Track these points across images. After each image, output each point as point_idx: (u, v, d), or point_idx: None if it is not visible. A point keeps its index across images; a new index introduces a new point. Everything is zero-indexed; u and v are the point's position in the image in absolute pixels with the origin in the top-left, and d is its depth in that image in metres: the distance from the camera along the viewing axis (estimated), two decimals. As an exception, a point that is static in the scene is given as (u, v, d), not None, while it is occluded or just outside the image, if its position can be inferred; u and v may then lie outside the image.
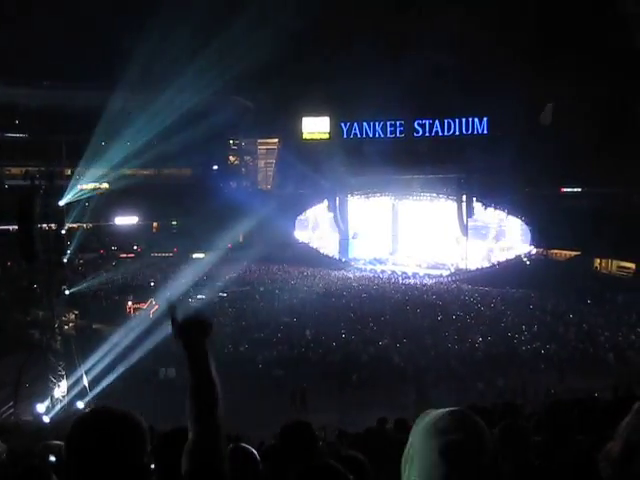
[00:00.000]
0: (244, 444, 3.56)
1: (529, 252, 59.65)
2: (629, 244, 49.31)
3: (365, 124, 67.28)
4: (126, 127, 64.59)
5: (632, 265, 52.35)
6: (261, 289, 51.19)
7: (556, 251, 58.69)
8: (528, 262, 58.33)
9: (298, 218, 70.27)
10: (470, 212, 62.85)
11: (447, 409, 2.13)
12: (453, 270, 62.42)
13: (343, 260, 67.05)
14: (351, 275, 60.37)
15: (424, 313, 42.09)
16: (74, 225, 56.47)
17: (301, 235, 70.37)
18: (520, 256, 59.56)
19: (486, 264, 61.21)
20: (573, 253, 56.74)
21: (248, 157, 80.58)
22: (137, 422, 2.39)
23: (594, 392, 16.16)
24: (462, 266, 62.89)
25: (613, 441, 1.85)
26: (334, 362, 30.90)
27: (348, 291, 50.66)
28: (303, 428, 4.40)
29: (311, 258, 64.78)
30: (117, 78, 58.23)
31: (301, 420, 4.55)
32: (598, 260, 55.23)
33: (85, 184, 68.99)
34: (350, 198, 68.61)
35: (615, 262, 54.20)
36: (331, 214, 68.71)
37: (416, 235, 66.24)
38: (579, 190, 61.69)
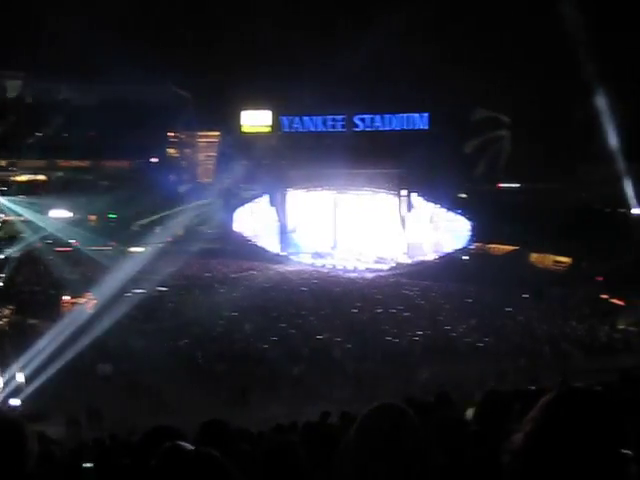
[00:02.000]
0: (182, 442, 3.45)
1: (467, 246, 60.24)
2: (564, 238, 50.12)
3: (306, 118, 67.08)
4: (61, 117, 63.40)
5: (567, 259, 53.33)
6: (201, 283, 50.59)
7: (494, 246, 59.38)
8: (467, 257, 59.14)
9: (238, 211, 69.48)
10: (409, 207, 63.29)
11: (377, 403, 2.28)
12: (394, 264, 62.54)
13: (283, 254, 66.77)
14: (291, 269, 60.14)
15: (364, 307, 42.03)
16: (7, 218, 55.25)
17: (241, 228, 69.59)
18: (459, 251, 60.21)
19: (432, 254, 61.41)
20: (510, 247, 57.49)
21: (188, 150, 79.82)
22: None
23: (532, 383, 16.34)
24: (402, 260, 63.06)
25: (518, 433, 1.91)
26: (274, 356, 30.69)
27: (288, 285, 50.49)
28: (219, 426, 4.42)
29: (251, 252, 64.22)
30: (49, 66, 56.87)
31: (217, 419, 4.57)
32: (534, 255, 56.03)
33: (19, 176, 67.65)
34: (291, 192, 68.38)
35: (551, 256, 54.89)
36: (272, 208, 68.41)
37: (357, 229, 65.89)
38: (517, 186, 62.72)
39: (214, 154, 75.77)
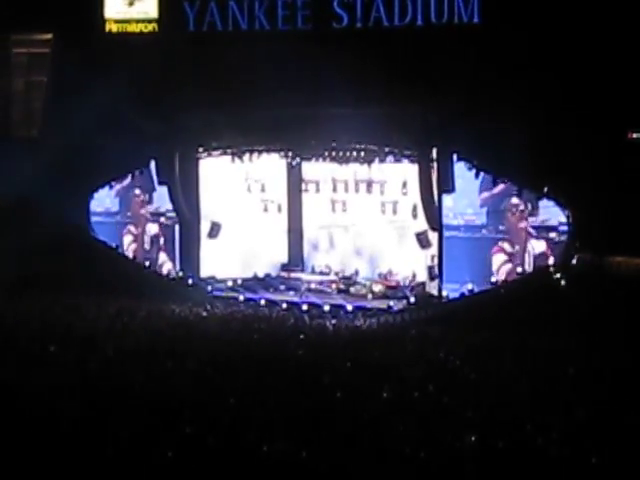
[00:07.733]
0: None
1: (565, 263, 31.42)
2: None
3: (232, 3, 33.95)
4: None
5: None
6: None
7: (622, 259, 30.94)
8: (564, 280, 30.67)
9: (96, 197, 38.10)
10: (447, 181, 32.50)
11: None
12: (412, 298, 33.34)
13: (190, 282, 36.35)
14: (204, 312, 31.62)
15: (354, 388, 17.19)
16: None
17: (104, 232, 38.43)
18: (547, 271, 31.68)
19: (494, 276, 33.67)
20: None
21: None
22: None
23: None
24: (433, 287, 34.41)
25: None
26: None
27: (198, 350, 22.54)
28: None
29: (125, 279, 34.42)
30: None
31: None
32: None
33: None
34: (204, 157, 36.86)
35: None
36: (165, 188, 36.93)
37: (339, 229, 37.38)
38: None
39: (43, 79, 40.37)
